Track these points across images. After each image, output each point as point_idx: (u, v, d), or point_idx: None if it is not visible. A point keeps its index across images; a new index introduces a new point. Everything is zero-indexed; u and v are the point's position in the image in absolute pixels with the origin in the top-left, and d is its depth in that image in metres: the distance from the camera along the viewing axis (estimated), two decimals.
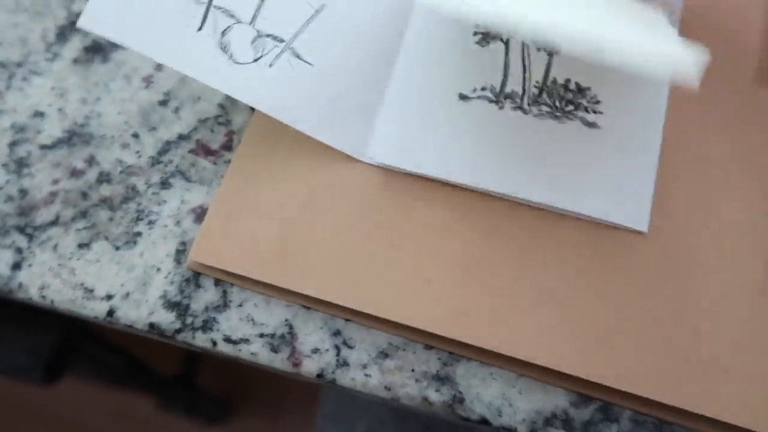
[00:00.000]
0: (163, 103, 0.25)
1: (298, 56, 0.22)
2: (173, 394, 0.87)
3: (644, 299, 0.20)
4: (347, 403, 0.41)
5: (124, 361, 0.70)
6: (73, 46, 0.26)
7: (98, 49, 0.25)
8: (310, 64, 0.22)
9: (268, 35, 0.22)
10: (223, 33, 0.22)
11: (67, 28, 0.26)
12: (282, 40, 0.22)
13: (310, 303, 0.21)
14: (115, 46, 0.25)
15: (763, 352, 0.19)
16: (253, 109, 0.24)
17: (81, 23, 0.20)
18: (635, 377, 0.19)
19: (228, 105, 0.24)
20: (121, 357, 0.69)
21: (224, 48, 0.22)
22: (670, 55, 0.17)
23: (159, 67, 0.25)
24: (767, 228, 0.20)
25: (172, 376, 0.88)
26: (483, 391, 0.20)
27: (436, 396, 0.20)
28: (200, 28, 0.22)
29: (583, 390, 0.20)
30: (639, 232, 0.21)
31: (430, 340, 0.21)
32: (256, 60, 0.22)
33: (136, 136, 0.24)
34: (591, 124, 0.22)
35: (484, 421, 0.20)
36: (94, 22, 0.20)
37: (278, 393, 1.05)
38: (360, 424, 0.39)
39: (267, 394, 1.05)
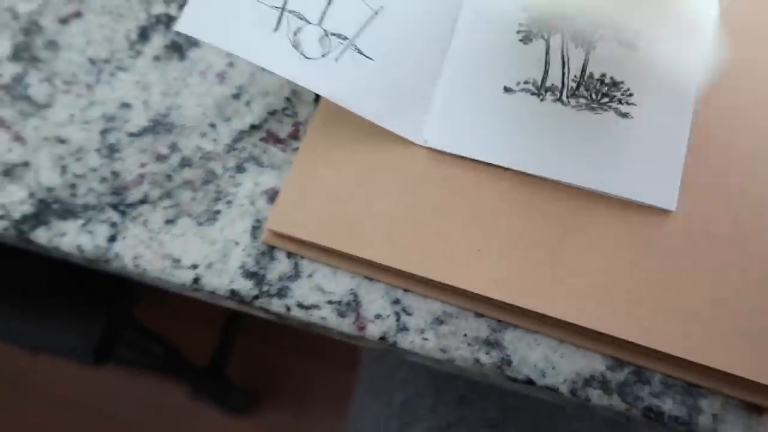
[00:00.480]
0: (236, 96, 0.27)
1: (360, 52, 0.25)
2: (204, 383, 0.90)
3: (672, 269, 0.22)
4: (385, 378, 0.44)
5: (162, 349, 0.73)
6: (154, 45, 0.28)
7: (176, 48, 0.28)
8: (370, 58, 0.25)
9: (333, 34, 0.25)
10: (295, 33, 0.24)
11: (148, 29, 0.29)
12: (346, 38, 0.25)
13: (372, 273, 0.24)
14: (191, 45, 0.28)
15: None
16: (316, 102, 0.27)
17: (178, 27, 0.23)
18: (664, 337, 0.21)
19: (294, 99, 0.27)
20: (160, 345, 0.73)
21: (296, 46, 0.24)
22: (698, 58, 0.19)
23: (231, 64, 0.28)
24: None
25: (203, 367, 0.91)
26: (528, 355, 0.23)
27: (487, 358, 0.23)
28: (276, 29, 0.24)
29: (618, 354, 0.22)
30: (667, 211, 0.23)
31: (480, 308, 0.23)
32: (323, 56, 0.24)
33: (212, 125, 0.27)
34: (624, 115, 0.24)
35: (529, 382, 0.23)
36: (189, 26, 0.23)
37: (304, 388, 1.08)
38: (398, 396, 0.41)
39: (293, 389, 1.08)
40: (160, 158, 0.26)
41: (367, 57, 0.25)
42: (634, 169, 0.23)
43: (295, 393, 1.06)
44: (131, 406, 1.05)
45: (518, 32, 0.25)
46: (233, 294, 0.24)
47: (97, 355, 0.56)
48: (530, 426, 0.38)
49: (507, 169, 0.24)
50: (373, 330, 0.23)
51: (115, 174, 0.26)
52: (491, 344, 0.23)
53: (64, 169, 0.26)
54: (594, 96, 0.24)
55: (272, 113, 0.27)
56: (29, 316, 0.59)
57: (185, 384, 0.92)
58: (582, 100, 0.24)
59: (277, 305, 0.24)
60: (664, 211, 0.23)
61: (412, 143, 0.25)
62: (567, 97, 0.24)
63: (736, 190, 0.23)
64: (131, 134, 0.27)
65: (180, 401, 1.02)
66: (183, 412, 1.03)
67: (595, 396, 0.22)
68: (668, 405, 0.22)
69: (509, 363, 0.23)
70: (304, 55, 0.24)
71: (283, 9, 0.24)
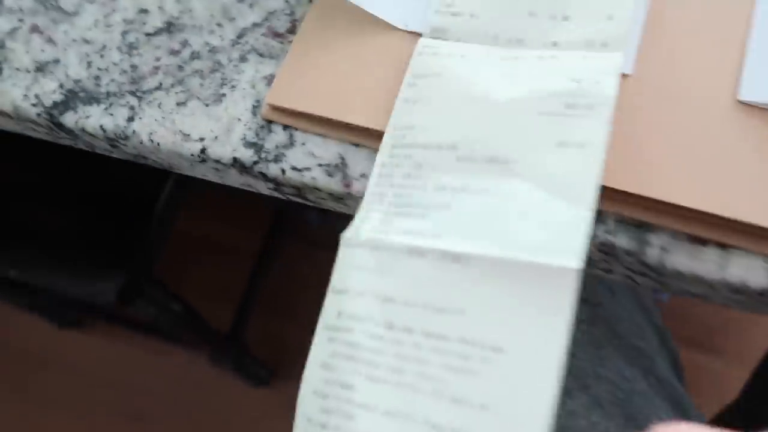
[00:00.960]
0: (240, 0, 0.31)
1: None
2: (224, 348, 0.94)
3: (633, 124, 0.25)
4: None
5: (181, 307, 0.77)
6: None
7: None
8: None
9: None
10: None
11: None
12: None
13: (358, 138, 0.27)
14: None
15: (729, 159, 0.24)
16: (311, 1, 0.30)
17: None
18: (619, 176, 0.24)
19: (292, 0, 0.30)
20: (179, 303, 0.76)
21: None
22: None
23: None
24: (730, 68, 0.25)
25: (223, 333, 0.95)
26: None
27: None
28: None
29: None
30: (626, 75, 0.26)
31: None
32: None
33: (219, 24, 0.30)
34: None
35: None
36: None
37: None
38: None
39: None
40: (173, 53, 0.30)
41: None
42: None
43: None
44: (154, 377, 1.09)
45: None
46: (235, 161, 0.27)
47: (120, 294, 0.60)
48: None
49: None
50: (358, 187, 0.26)
51: (134, 67, 0.30)
52: None
53: (89, 64, 0.30)
54: None
55: (272, 13, 0.30)
56: (57, 263, 0.63)
57: (205, 350, 0.96)
58: None
59: (273, 169, 0.27)
60: (621, 75, 0.26)
61: (399, 29, 0.28)
62: None
63: (685, 54, 0.26)
64: (148, 34, 0.30)
65: (201, 371, 1.06)
66: (204, 383, 1.07)
67: None
68: (620, 240, 0.24)
69: None
70: None
71: None
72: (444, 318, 0.21)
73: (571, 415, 0.37)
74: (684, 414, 0.42)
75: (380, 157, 0.25)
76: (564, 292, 0.19)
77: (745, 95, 0.24)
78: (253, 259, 1.06)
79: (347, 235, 0.24)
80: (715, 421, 0.58)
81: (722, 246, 0.24)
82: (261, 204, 1.09)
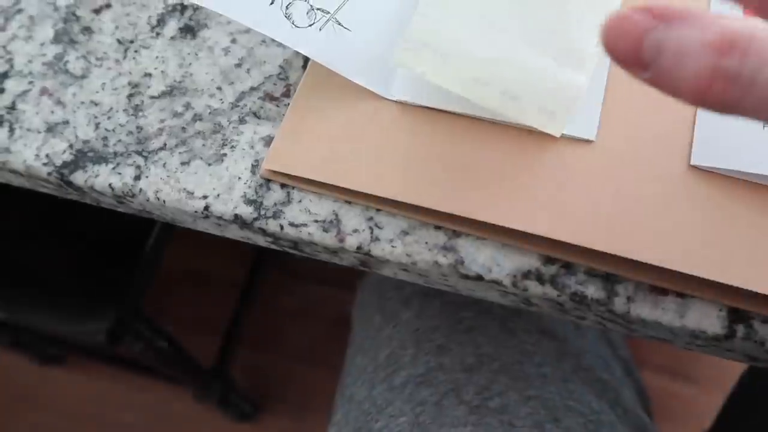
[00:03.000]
0: (238, 65, 0.33)
1: (340, 24, 0.31)
2: (208, 384, 0.94)
3: (595, 185, 0.27)
4: (372, 337, 0.48)
5: (167, 344, 0.78)
6: (171, 28, 0.34)
7: (189, 30, 0.34)
8: (348, 29, 0.31)
9: (318, 9, 0.31)
10: (287, 6, 0.30)
11: (165, 15, 0.35)
12: (328, 12, 0.31)
13: (350, 197, 0.29)
14: (201, 27, 0.34)
15: (682, 218, 0.26)
16: (305, 68, 0.32)
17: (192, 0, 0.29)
18: (588, 236, 0.26)
19: (286, 66, 0.33)
20: (165, 339, 0.77)
21: (288, 17, 0.30)
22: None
23: (234, 41, 0.34)
24: (682, 132, 0.28)
25: (206, 368, 0.95)
26: (477, 256, 0.28)
27: (444, 260, 0.28)
28: (271, 3, 0.30)
29: (550, 253, 0.27)
30: (589, 141, 0.28)
31: (438, 221, 0.28)
32: (310, 26, 0.30)
33: (219, 88, 0.33)
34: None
35: (479, 277, 0.28)
36: None
37: (306, 394, 1.11)
38: (383, 351, 0.46)
39: (295, 396, 1.11)
40: (177, 115, 0.32)
41: (345, 28, 0.31)
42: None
43: (297, 399, 1.09)
44: (137, 413, 1.08)
45: None
46: (236, 217, 0.30)
47: (110, 335, 0.61)
48: (501, 369, 0.43)
49: (461, 114, 0.30)
50: (351, 241, 0.29)
51: (140, 128, 0.32)
52: (447, 249, 0.28)
53: (97, 126, 0.32)
54: None
55: (268, 77, 0.33)
56: (46, 303, 0.64)
57: (189, 386, 0.96)
58: None
59: (272, 225, 0.29)
60: (586, 141, 0.28)
61: (384, 98, 0.30)
62: None
63: (642, 123, 0.29)
64: (152, 97, 0.33)
65: (184, 407, 1.05)
66: (188, 419, 1.06)
67: (532, 286, 0.27)
68: (590, 290, 0.27)
69: (462, 263, 0.28)
70: (294, 25, 0.30)
71: None
72: None
73: None
74: None
75: None
76: None
77: (697, 160, 0.27)
78: (236, 291, 1.07)
79: None
80: None
81: (680, 295, 0.26)
82: None
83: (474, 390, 0.42)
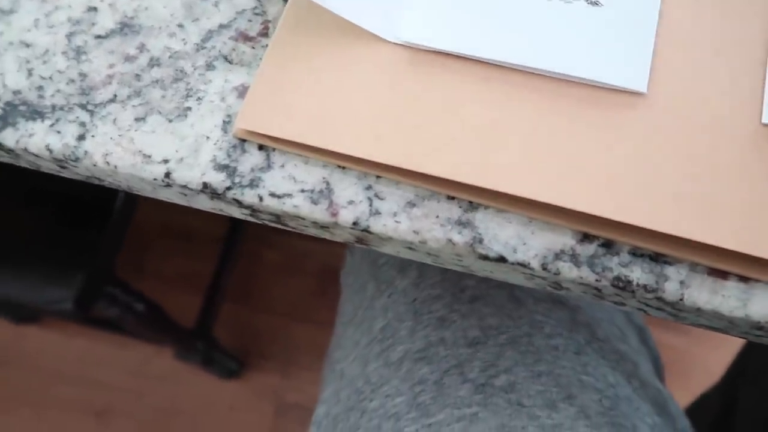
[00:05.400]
0: None
1: None
2: (190, 345, 0.90)
3: (645, 148, 0.23)
4: (365, 307, 0.44)
5: (143, 306, 0.73)
6: None
7: None
8: None
9: None
10: None
11: None
12: None
13: (344, 162, 0.24)
14: None
15: (752, 189, 0.22)
16: (285, 0, 0.27)
17: None
18: (635, 211, 0.22)
19: None
20: (141, 302, 0.72)
21: None
22: None
23: None
24: (751, 89, 0.23)
25: (188, 328, 0.91)
26: (500, 233, 0.23)
27: (459, 238, 0.23)
28: None
29: (587, 229, 0.23)
30: (639, 93, 0.23)
31: (452, 191, 0.23)
32: None
33: (181, 26, 0.27)
34: (594, 3, 0.24)
35: (501, 259, 0.23)
36: None
37: (290, 349, 1.08)
38: (378, 322, 0.42)
39: (279, 351, 1.08)
40: (129, 59, 0.26)
41: None
42: (606, 55, 0.24)
43: (283, 355, 1.07)
44: (118, 373, 1.05)
45: None
46: (205, 186, 0.24)
47: (78, 304, 0.56)
48: (509, 342, 0.39)
49: (479, 60, 0.24)
50: (346, 215, 0.24)
51: (83, 75, 0.26)
52: (463, 224, 0.23)
53: (30, 72, 0.26)
54: None
55: (241, 12, 0.27)
56: (9, 268, 0.59)
57: (170, 347, 0.92)
58: None
59: (249, 195, 0.24)
60: (636, 94, 0.23)
61: (386, 41, 0.25)
62: None
63: (705, 72, 0.23)
64: (98, 36, 0.27)
65: (166, 364, 1.02)
66: (171, 375, 1.03)
67: (566, 269, 0.23)
68: (636, 274, 0.22)
69: (480, 241, 0.23)
70: None
71: None
72: None
73: (557, 428, 0.36)
74: (669, 418, 0.41)
75: None
76: None
77: None
78: (218, 245, 1.02)
79: None
80: (698, 404, 0.58)
81: (744, 279, 0.22)
82: None
83: (479, 366, 0.38)
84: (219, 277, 0.98)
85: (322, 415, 0.42)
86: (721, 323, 0.23)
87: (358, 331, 0.43)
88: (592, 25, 0.24)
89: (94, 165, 0.25)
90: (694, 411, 0.56)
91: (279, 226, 0.26)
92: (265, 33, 0.26)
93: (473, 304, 0.41)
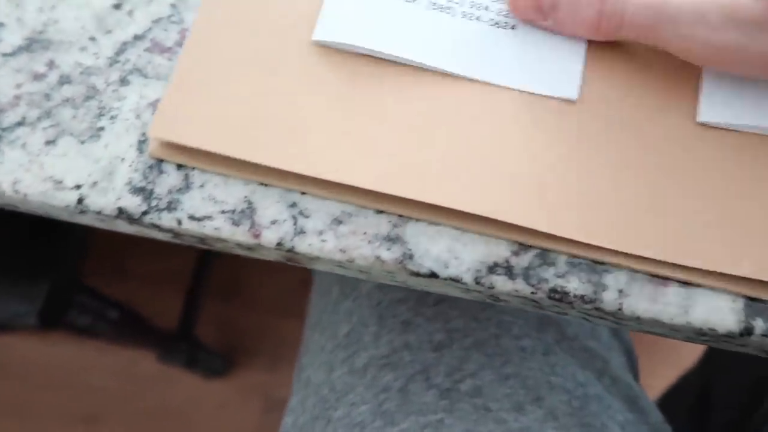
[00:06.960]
0: (117, 6, 0.25)
1: None
2: (173, 347, 0.90)
3: (576, 156, 0.21)
4: (330, 311, 0.43)
5: (119, 313, 0.72)
6: None
7: None
8: None
9: None
10: None
11: None
12: None
13: (266, 178, 0.23)
14: None
15: (686, 195, 0.21)
16: None
17: None
18: (570, 224, 0.21)
19: (179, 4, 0.25)
20: (115, 309, 0.71)
21: None
22: None
23: None
24: (685, 89, 0.22)
25: (169, 331, 0.90)
26: (431, 247, 0.22)
27: (388, 255, 0.22)
28: None
29: (522, 239, 0.22)
30: (570, 100, 0.22)
31: (379, 204, 0.22)
32: None
33: (93, 39, 0.25)
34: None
35: (432, 275, 0.22)
36: None
37: (277, 345, 1.07)
38: (342, 327, 0.41)
39: (268, 347, 1.07)
40: (38, 77, 0.25)
41: None
42: (537, 64, 0.22)
43: (269, 351, 1.06)
44: (104, 377, 1.04)
45: None
46: (121, 212, 0.23)
47: (42, 317, 0.54)
48: (475, 345, 0.38)
49: (403, 64, 0.23)
50: (269, 236, 0.22)
51: None
52: (392, 240, 0.22)
53: None
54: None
55: (156, 21, 0.25)
56: None
57: (152, 350, 0.91)
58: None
59: (167, 219, 0.23)
60: (566, 101, 0.22)
61: (303, 40, 0.23)
62: None
63: (637, 77, 0.22)
64: (5, 54, 0.25)
65: (151, 366, 1.01)
66: (157, 377, 1.02)
67: (500, 282, 0.21)
68: (573, 284, 0.21)
69: (411, 257, 0.22)
70: None
71: None
72: None
73: (524, 431, 0.35)
74: (641, 413, 0.40)
75: None
76: None
77: (705, 116, 0.21)
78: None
79: None
80: (675, 389, 0.57)
81: (685, 284, 0.21)
82: None
83: (444, 371, 0.37)
84: (201, 273, 0.97)
85: (290, 425, 0.41)
86: (662, 330, 0.22)
87: (324, 336, 0.42)
88: (520, 34, 0.23)
89: (3, 194, 0.23)
90: (672, 396, 0.56)
91: (205, 248, 0.25)
92: (182, 42, 0.25)
93: (439, 307, 0.40)
